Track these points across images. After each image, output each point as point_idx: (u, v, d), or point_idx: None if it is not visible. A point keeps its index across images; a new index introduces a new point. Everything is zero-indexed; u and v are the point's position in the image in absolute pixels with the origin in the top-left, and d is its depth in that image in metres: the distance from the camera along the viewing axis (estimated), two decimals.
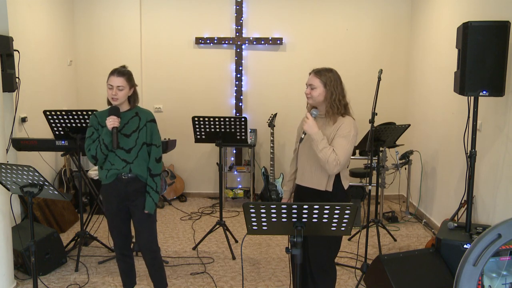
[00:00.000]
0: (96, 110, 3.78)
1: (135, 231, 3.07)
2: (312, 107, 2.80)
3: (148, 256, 3.07)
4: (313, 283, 2.77)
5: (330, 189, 2.68)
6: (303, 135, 2.65)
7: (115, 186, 2.94)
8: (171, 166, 5.90)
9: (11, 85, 3.96)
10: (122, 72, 2.88)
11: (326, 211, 1.97)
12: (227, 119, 4.13)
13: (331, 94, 2.65)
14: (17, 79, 4.14)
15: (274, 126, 5.52)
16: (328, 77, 2.66)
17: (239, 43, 5.79)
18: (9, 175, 2.66)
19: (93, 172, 5.22)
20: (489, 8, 3.70)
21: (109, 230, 3.12)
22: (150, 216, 3.00)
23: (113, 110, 2.84)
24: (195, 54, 5.87)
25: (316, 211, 1.97)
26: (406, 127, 4.60)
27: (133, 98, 2.97)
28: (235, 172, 5.90)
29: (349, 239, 4.49)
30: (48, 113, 3.82)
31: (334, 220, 2.03)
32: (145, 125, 2.95)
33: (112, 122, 2.79)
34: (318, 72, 2.70)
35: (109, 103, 2.94)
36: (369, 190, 3.83)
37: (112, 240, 4.34)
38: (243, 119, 4.16)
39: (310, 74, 2.74)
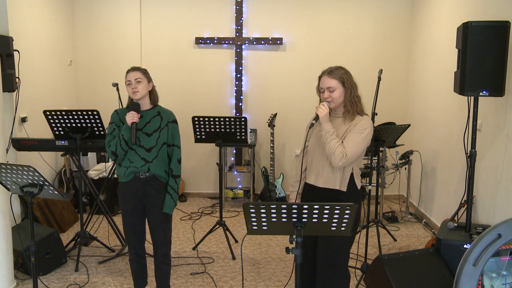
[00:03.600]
0: (96, 110, 3.81)
1: (150, 230, 3.07)
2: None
3: (161, 255, 3.07)
4: (325, 284, 2.68)
5: (344, 188, 2.59)
6: (314, 121, 2.54)
7: (133, 185, 2.96)
8: None
9: (11, 85, 3.97)
10: (137, 67, 3.02)
11: (326, 211, 1.97)
12: (227, 119, 4.13)
13: (350, 91, 2.56)
14: (17, 79, 4.14)
15: (274, 126, 5.52)
16: (342, 74, 2.57)
17: (239, 43, 5.79)
18: (9, 175, 2.66)
19: (93, 172, 5.22)
20: (489, 8, 3.70)
21: (123, 230, 3.11)
22: (166, 216, 3.02)
23: (133, 106, 2.91)
24: (195, 54, 5.87)
25: (316, 211, 1.97)
26: (406, 127, 4.60)
27: (153, 95, 3.04)
28: (235, 172, 5.90)
29: None
30: (48, 113, 3.82)
31: (334, 220, 2.03)
32: (167, 125, 2.99)
33: (131, 117, 2.85)
34: (332, 72, 2.58)
35: (130, 103, 3.00)
36: (369, 190, 3.83)
37: (112, 241, 4.38)
38: (243, 119, 4.16)
39: (321, 76, 2.62)
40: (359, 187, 2.67)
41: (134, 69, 2.98)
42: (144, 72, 2.99)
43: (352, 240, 2.74)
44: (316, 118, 2.54)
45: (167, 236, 3.07)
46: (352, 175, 2.62)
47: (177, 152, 3.02)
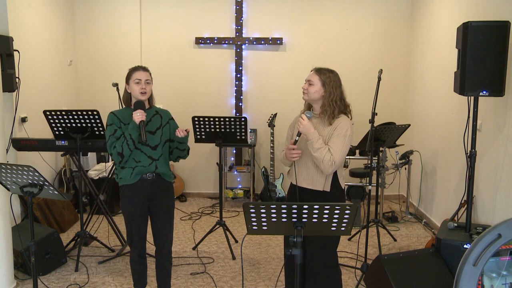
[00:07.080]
0: (96, 110, 3.81)
1: (154, 231, 3.07)
2: (306, 108, 2.81)
3: (165, 255, 3.09)
4: (317, 282, 2.74)
5: (328, 189, 2.68)
6: (297, 137, 2.64)
7: (140, 187, 2.94)
8: (171, 166, 5.89)
9: (11, 85, 3.97)
10: (146, 68, 3.03)
11: (326, 211, 1.98)
12: (227, 119, 4.13)
13: (329, 94, 2.66)
14: (17, 79, 4.14)
15: (274, 126, 5.52)
16: (328, 76, 2.68)
17: (239, 43, 5.79)
18: (9, 175, 2.66)
19: (93, 172, 5.22)
20: (489, 8, 3.70)
21: (127, 232, 3.06)
22: (171, 215, 3.06)
23: (139, 105, 2.88)
24: (195, 54, 5.87)
25: (316, 211, 1.97)
26: (406, 127, 4.60)
27: (151, 97, 3.07)
28: (235, 172, 5.90)
29: (349, 239, 4.49)
30: (48, 113, 3.82)
31: (334, 220, 2.03)
32: (168, 123, 3.03)
33: (140, 116, 2.82)
34: (319, 70, 2.72)
35: (126, 102, 3.00)
36: (369, 190, 3.83)
37: (112, 241, 4.38)
38: (243, 119, 4.16)
39: (311, 71, 2.75)
40: (343, 186, 2.75)
41: (144, 69, 2.98)
42: (150, 73, 3.03)
43: (339, 237, 2.82)
44: (299, 134, 2.64)
45: (171, 236, 3.12)
46: (336, 175, 2.70)
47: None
